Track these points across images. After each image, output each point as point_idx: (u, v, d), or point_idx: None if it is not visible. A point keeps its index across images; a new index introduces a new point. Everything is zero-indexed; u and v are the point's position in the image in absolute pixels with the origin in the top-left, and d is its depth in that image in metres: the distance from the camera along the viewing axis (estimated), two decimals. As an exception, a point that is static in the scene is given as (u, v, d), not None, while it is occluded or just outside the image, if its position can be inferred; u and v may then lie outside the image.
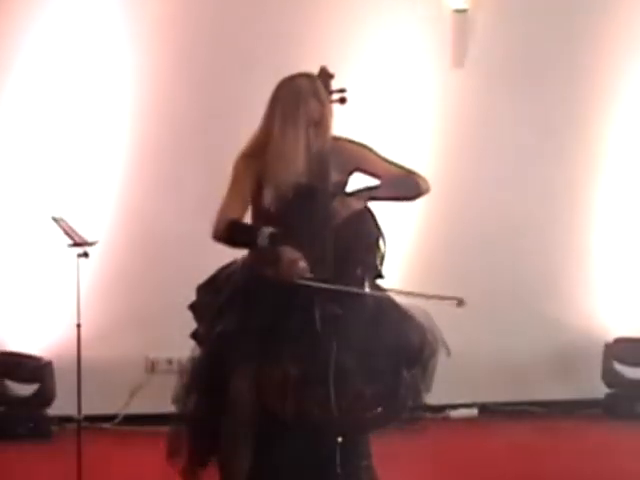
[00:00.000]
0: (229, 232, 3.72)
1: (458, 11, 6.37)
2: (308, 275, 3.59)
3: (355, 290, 3.69)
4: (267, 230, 3.63)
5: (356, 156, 3.87)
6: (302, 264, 3.59)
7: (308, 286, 3.59)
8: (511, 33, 6.45)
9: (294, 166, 3.72)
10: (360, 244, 3.78)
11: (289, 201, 3.72)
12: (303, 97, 3.76)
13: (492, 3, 6.37)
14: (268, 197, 3.74)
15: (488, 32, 6.38)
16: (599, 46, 6.55)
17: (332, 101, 3.79)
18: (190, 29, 6.13)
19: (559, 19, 6.53)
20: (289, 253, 3.59)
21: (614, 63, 6.60)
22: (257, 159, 3.77)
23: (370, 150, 3.90)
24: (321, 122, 3.77)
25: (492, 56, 6.44)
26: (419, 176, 3.88)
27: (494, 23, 6.37)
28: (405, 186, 3.86)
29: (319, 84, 3.81)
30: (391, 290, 3.78)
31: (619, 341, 6.58)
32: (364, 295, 3.74)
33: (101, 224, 5.78)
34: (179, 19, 6.13)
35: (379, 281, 3.84)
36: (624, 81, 6.65)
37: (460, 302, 3.69)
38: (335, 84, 3.88)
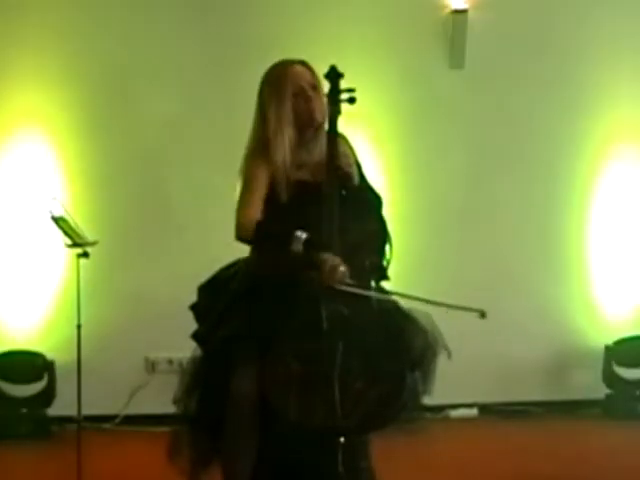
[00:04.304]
0: (259, 234, 3.67)
1: (458, 11, 6.38)
2: (348, 280, 3.58)
3: (387, 297, 3.68)
4: (302, 235, 3.58)
5: (347, 159, 3.87)
6: (342, 269, 3.57)
7: (351, 293, 3.58)
8: (511, 34, 6.46)
9: (282, 163, 3.74)
10: (367, 243, 3.78)
11: (293, 199, 3.74)
12: (297, 88, 3.79)
13: (492, 4, 6.37)
14: (284, 197, 3.75)
15: (488, 33, 6.38)
16: (600, 47, 6.56)
17: (341, 101, 3.79)
18: (200, 29, 6.17)
19: (559, 20, 6.54)
20: (331, 259, 3.57)
21: (615, 64, 6.60)
22: (265, 157, 3.78)
23: (357, 163, 3.91)
24: (310, 113, 3.79)
25: (491, 57, 6.44)
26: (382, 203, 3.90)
27: (494, 24, 6.37)
28: None
29: (314, 70, 3.83)
30: (413, 297, 3.71)
31: (619, 342, 6.58)
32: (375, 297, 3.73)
33: (101, 224, 5.77)
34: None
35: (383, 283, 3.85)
36: (626, 81, 6.65)
37: (483, 314, 3.66)
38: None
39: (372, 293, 3.65)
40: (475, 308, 3.63)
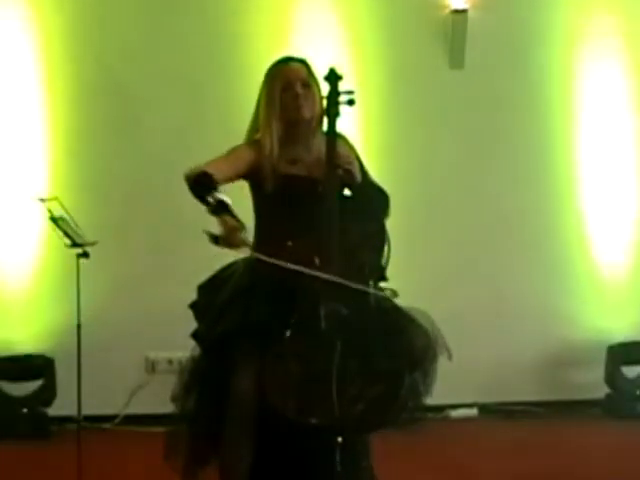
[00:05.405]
0: (196, 178, 3.63)
1: (458, 11, 6.38)
2: (249, 242, 3.56)
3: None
4: (218, 195, 3.57)
5: (347, 159, 3.86)
6: (241, 235, 3.53)
7: (268, 263, 3.57)
8: (511, 34, 6.46)
9: (269, 155, 3.75)
10: (367, 243, 3.78)
11: (287, 194, 3.74)
12: (286, 84, 3.79)
13: (492, 4, 6.37)
14: (268, 188, 3.76)
15: (488, 33, 6.38)
16: (601, 45, 6.56)
17: (340, 103, 3.79)
18: (188, 33, 6.19)
19: (559, 20, 6.54)
20: (229, 221, 3.54)
21: (614, 65, 6.61)
22: (255, 146, 3.80)
23: (359, 161, 3.90)
24: (298, 109, 3.79)
25: (491, 57, 6.45)
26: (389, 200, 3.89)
27: (494, 24, 6.38)
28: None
29: (311, 69, 3.84)
30: (316, 274, 3.63)
31: (621, 342, 6.58)
32: (367, 295, 3.72)
33: (101, 224, 5.78)
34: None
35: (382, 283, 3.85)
36: (626, 81, 6.66)
37: (394, 293, 3.70)
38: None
39: (288, 265, 3.57)
40: (388, 288, 3.67)
